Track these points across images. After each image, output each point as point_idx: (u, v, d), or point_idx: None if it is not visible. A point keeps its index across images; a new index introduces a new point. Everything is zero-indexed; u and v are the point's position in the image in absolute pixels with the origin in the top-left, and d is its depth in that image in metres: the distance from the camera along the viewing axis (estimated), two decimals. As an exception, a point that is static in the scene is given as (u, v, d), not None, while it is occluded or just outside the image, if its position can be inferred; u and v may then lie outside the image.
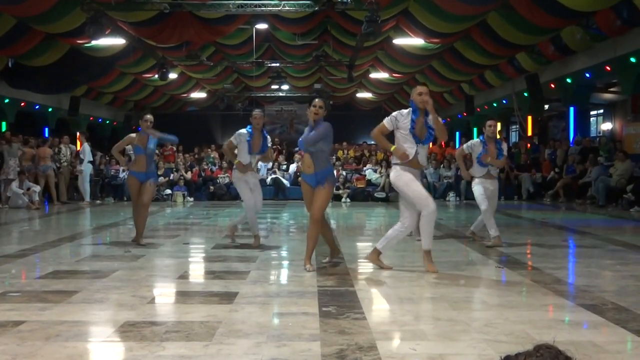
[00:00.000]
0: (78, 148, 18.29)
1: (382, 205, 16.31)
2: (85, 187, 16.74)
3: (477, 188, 8.18)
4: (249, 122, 7.95)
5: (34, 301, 4.81)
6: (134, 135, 8.19)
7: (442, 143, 19.90)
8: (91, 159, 17.02)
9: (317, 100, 6.27)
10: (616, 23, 13.16)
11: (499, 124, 7.67)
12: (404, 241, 7.57)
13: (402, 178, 6.05)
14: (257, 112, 8.03)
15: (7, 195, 14.96)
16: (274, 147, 19.84)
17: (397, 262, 6.69)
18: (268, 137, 8.14)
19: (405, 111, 6.12)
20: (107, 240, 9.08)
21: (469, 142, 8.50)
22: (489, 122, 8.27)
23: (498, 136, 8.71)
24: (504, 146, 8.36)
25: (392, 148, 6.08)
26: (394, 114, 6.16)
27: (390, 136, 6.20)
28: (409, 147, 6.01)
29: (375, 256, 6.35)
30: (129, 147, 8.48)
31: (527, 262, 6.86)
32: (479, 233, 8.56)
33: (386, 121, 6.13)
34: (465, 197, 17.75)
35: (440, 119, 6.17)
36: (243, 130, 7.92)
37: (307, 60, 22.24)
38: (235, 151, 7.98)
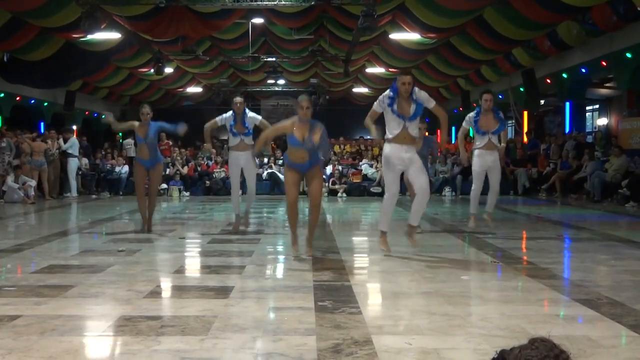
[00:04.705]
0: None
1: (378, 200, 16.29)
2: (72, 181, 16.65)
3: (476, 161, 8.20)
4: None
5: (29, 296, 4.80)
6: (137, 123, 8.79)
7: (438, 139, 19.85)
8: (76, 154, 16.90)
9: (303, 101, 6.44)
10: (612, 18, 13.18)
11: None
12: (401, 235, 7.60)
13: (385, 160, 6.62)
14: (237, 98, 8.79)
15: (3, 189, 14.91)
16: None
17: (393, 256, 6.70)
18: (249, 114, 8.56)
19: (389, 92, 6.56)
20: (103, 235, 9.06)
21: (466, 117, 8.36)
22: (485, 96, 8.12)
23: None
24: (502, 115, 8.25)
25: (373, 132, 6.62)
26: (380, 97, 6.61)
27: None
28: (396, 125, 6.44)
29: (412, 231, 6.87)
30: (127, 142, 8.84)
31: (523, 257, 6.87)
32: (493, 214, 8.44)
33: (375, 106, 6.64)
34: (461, 191, 17.76)
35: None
36: (228, 114, 8.60)
37: (303, 55, 22.20)
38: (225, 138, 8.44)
